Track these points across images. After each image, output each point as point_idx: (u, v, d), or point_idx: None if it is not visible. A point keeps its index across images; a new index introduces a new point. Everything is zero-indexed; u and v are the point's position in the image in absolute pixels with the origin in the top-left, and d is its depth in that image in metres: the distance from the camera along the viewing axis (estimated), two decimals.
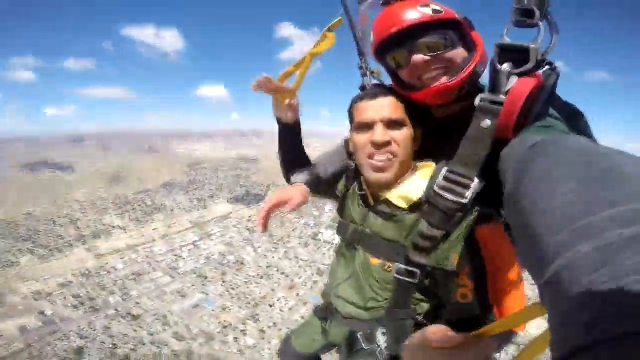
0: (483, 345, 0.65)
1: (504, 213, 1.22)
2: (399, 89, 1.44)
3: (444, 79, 1.30)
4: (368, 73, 1.78)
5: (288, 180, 1.79)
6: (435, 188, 1.04)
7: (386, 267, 1.43)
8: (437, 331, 0.67)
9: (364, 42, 1.73)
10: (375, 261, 1.48)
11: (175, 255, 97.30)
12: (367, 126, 1.41)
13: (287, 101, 1.69)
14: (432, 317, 1.41)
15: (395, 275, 1.29)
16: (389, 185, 1.44)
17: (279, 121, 1.77)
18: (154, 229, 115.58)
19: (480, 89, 1.17)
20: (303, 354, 2.20)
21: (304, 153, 1.87)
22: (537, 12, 0.97)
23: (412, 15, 1.26)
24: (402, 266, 1.26)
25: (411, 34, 1.28)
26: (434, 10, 1.27)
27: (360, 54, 1.80)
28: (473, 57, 1.31)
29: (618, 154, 0.51)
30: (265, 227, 1.47)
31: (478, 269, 1.23)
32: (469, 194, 1.01)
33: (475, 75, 1.34)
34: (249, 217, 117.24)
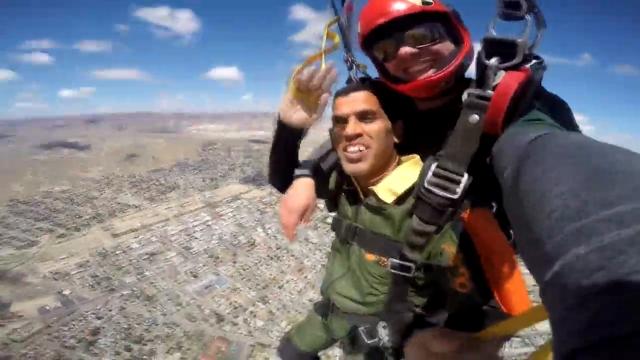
0: (485, 347, 0.64)
1: (504, 209, 1.13)
2: (386, 82, 1.43)
3: (430, 72, 1.29)
4: (354, 67, 1.73)
5: (279, 187, 1.76)
6: (426, 184, 1.03)
7: (381, 262, 1.45)
8: (437, 336, 0.65)
9: (349, 34, 1.64)
10: (370, 257, 1.49)
11: (188, 235, 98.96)
12: (342, 120, 1.44)
13: (323, 97, 1.51)
14: (432, 308, 1.42)
15: (391, 270, 1.31)
16: (369, 176, 1.47)
17: (283, 124, 1.59)
18: (167, 208, 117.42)
19: (468, 83, 1.15)
20: (305, 352, 2.17)
21: (298, 163, 1.73)
22: (524, 5, 0.94)
23: (401, 6, 1.24)
24: (397, 261, 1.28)
25: (399, 26, 1.26)
26: (423, 2, 1.25)
27: (346, 46, 1.71)
28: (460, 51, 1.30)
29: (614, 150, 0.50)
30: (294, 237, 1.52)
31: (471, 256, 1.23)
32: (459, 189, 1.00)
33: (461, 69, 1.32)
34: (260, 198, 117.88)
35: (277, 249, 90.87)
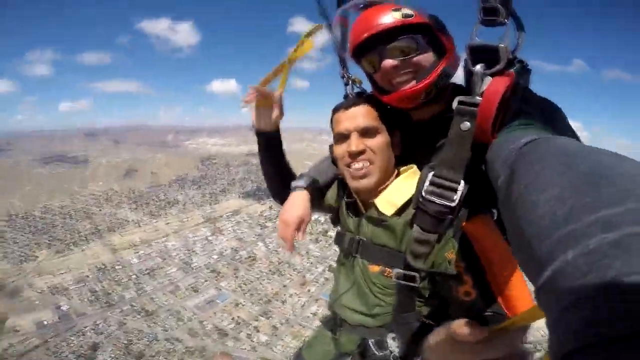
0: (509, 338, 0.67)
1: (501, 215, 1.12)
2: (376, 93, 1.47)
3: (412, 83, 1.32)
4: (350, 82, 1.76)
5: (279, 198, 1.78)
6: (424, 193, 1.04)
7: (386, 273, 1.47)
8: (462, 326, 0.68)
9: (343, 48, 1.66)
10: (374, 269, 1.51)
11: (188, 250, 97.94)
12: (344, 137, 1.45)
13: (276, 97, 1.62)
14: (439, 317, 1.42)
15: (395, 280, 1.33)
16: (373, 191, 1.47)
17: (261, 134, 1.69)
18: (167, 224, 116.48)
19: (460, 91, 1.16)
20: None
21: (290, 168, 1.81)
22: (503, 11, 0.96)
23: (384, 20, 1.28)
24: (401, 271, 1.30)
25: (382, 39, 1.30)
26: (404, 15, 1.28)
27: (342, 62, 1.75)
28: (440, 61, 1.32)
29: (601, 154, 0.51)
30: (293, 248, 1.57)
31: (474, 264, 1.24)
32: (457, 197, 1.01)
33: (444, 78, 1.34)
34: (261, 212, 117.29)
35: (279, 263, 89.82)
